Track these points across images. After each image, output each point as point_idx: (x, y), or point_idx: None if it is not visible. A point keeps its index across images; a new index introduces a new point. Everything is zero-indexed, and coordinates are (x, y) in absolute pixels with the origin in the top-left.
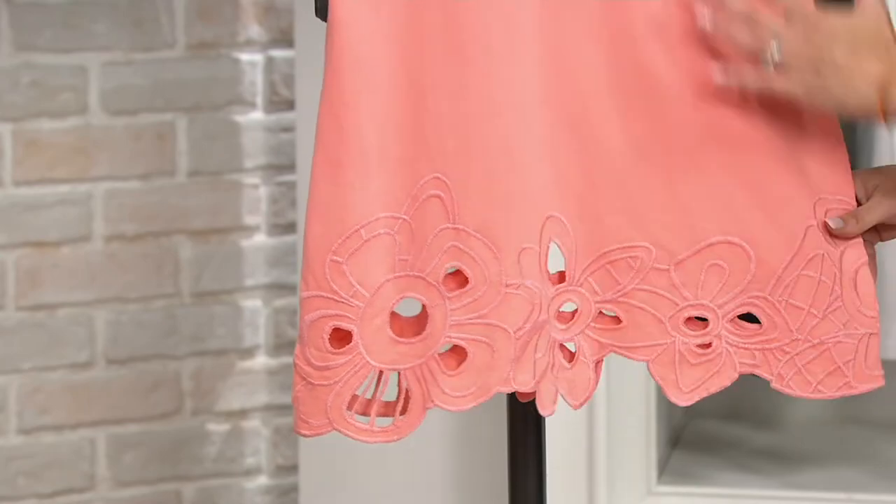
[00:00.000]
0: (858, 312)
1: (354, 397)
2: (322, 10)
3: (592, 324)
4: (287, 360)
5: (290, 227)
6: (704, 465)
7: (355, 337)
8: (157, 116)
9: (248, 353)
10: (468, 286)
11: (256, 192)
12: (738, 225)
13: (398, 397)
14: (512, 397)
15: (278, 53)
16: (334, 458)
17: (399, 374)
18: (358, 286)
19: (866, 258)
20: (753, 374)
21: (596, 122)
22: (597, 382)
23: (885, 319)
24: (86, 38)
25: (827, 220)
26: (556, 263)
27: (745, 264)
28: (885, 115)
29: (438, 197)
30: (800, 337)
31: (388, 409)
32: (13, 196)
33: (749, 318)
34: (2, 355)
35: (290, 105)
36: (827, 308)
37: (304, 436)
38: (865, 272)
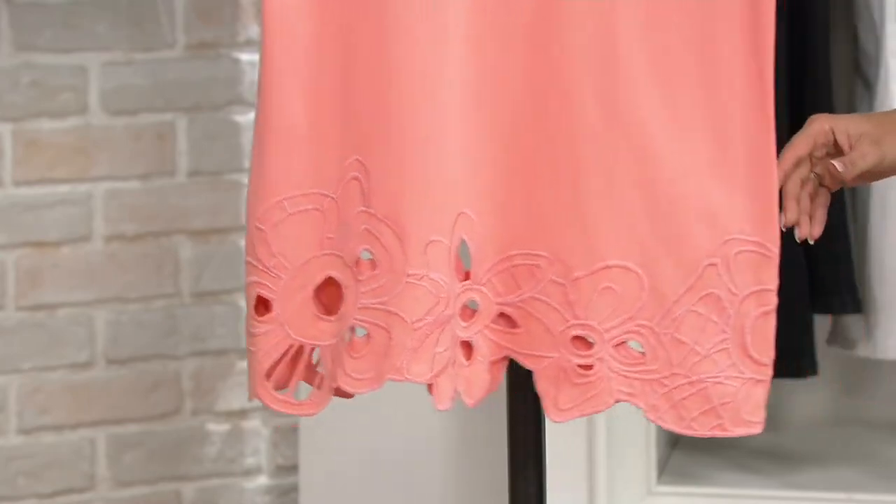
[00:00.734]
0: (748, 358)
1: (274, 366)
2: None
3: (491, 324)
4: None
5: None
6: (704, 465)
7: (275, 308)
8: (157, 116)
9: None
10: (376, 271)
11: None
12: (637, 251)
13: (316, 373)
14: (512, 397)
15: None
16: (334, 458)
17: (320, 349)
18: (279, 257)
19: (771, 306)
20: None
21: (513, 126)
22: (497, 383)
23: (885, 318)
24: (86, 38)
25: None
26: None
27: (637, 291)
28: None
29: (357, 179)
30: (679, 372)
31: (319, 382)
32: (13, 196)
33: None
34: (2, 355)
35: None
36: (712, 348)
37: (250, 398)
38: (765, 320)
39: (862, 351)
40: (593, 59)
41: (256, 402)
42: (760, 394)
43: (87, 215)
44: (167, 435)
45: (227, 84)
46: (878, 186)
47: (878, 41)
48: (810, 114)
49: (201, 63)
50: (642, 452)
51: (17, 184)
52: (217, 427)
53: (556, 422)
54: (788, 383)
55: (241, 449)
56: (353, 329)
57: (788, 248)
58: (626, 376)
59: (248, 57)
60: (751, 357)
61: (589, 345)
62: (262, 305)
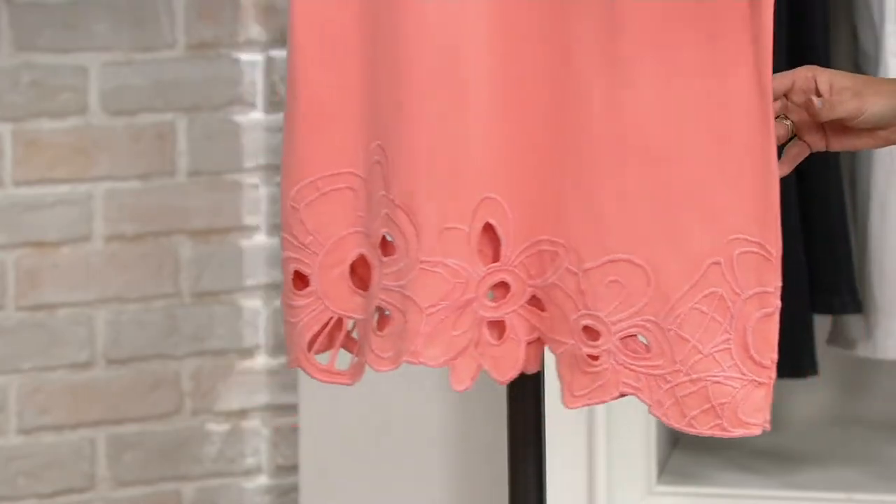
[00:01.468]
0: (749, 359)
1: (315, 338)
2: None
3: (526, 304)
4: (286, 360)
5: None
6: (704, 464)
7: (312, 283)
8: (157, 116)
9: (248, 353)
10: (395, 255)
11: (256, 193)
12: (643, 246)
13: (355, 344)
14: (512, 396)
15: (278, 53)
16: (334, 458)
17: (357, 322)
18: (313, 234)
19: (773, 308)
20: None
21: (534, 112)
22: (535, 364)
23: (885, 318)
24: (86, 38)
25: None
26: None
27: (643, 286)
28: None
29: (379, 164)
30: (681, 369)
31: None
32: (13, 196)
33: None
34: (2, 355)
35: None
36: (714, 347)
37: (290, 366)
38: (768, 322)
39: (862, 351)
40: (600, 55)
41: (257, 402)
42: (761, 396)
43: (87, 215)
44: (167, 435)
45: (227, 84)
46: (877, 187)
47: (877, 41)
48: None
49: (201, 63)
50: (642, 452)
51: (17, 184)
52: (217, 427)
53: (569, 408)
54: (789, 383)
55: (241, 449)
56: (378, 308)
57: (789, 248)
58: (632, 370)
59: (248, 57)
60: (752, 359)
61: (597, 335)
62: (300, 280)
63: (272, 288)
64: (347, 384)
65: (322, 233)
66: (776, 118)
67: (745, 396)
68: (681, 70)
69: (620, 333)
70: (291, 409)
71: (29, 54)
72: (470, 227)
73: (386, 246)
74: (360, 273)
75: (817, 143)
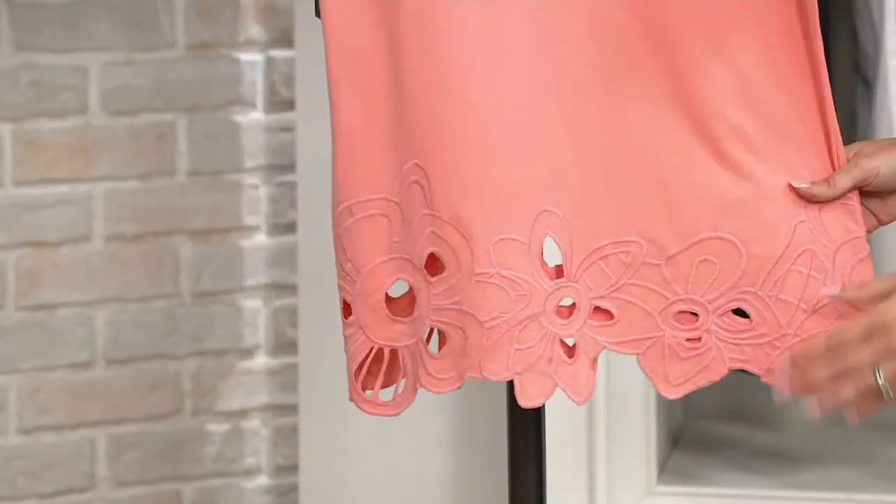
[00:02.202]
0: (852, 307)
1: (359, 369)
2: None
3: (589, 321)
4: (286, 360)
5: (290, 228)
6: (704, 465)
7: (354, 312)
8: (157, 116)
9: (248, 353)
10: (444, 273)
11: (256, 193)
12: (728, 221)
13: (399, 374)
14: (512, 398)
15: (278, 54)
16: (334, 459)
17: (398, 351)
18: (351, 261)
19: (865, 253)
20: (746, 371)
21: (585, 118)
22: (594, 379)
23: None
24: (86, 38)
25: (793, 182)
26: (556, 258)
27: (735, 260)
28: None
29: (418, 183)
30: (789, 332)
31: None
32: (13, 196)
33: (740, 313)
34: (2, 355)
35: (290, 105)
36: (817, 303)
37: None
38: (863, 267)
39: None
40: (654, 44)
41: (257, 402)
42: None
43: (87, 215)
44: (167, 435)
45: (226, 84)
46: None
47: (877, 41)
48: None
49: (201, 63)
50: (642, 452)
51: (17, 184)
52: (217, 427)
53: (670, 398)
54: None
55: (240, 449)
56: (430, 330)
57: None
58: (736, 344)
59: (248, 57)
60: (856, 305)
61: (693, 318)
62: (346, 308)
63: (272, 288)
64: (392, 415)
65: (358, 260)
66: None
67: None
68: (734, 46)
69: (719, 311)
70: (291, 409)
71: (29, 54)
72: (529, 239)
73: (433, 265)
74: (398, 301)
75: (869, 223)
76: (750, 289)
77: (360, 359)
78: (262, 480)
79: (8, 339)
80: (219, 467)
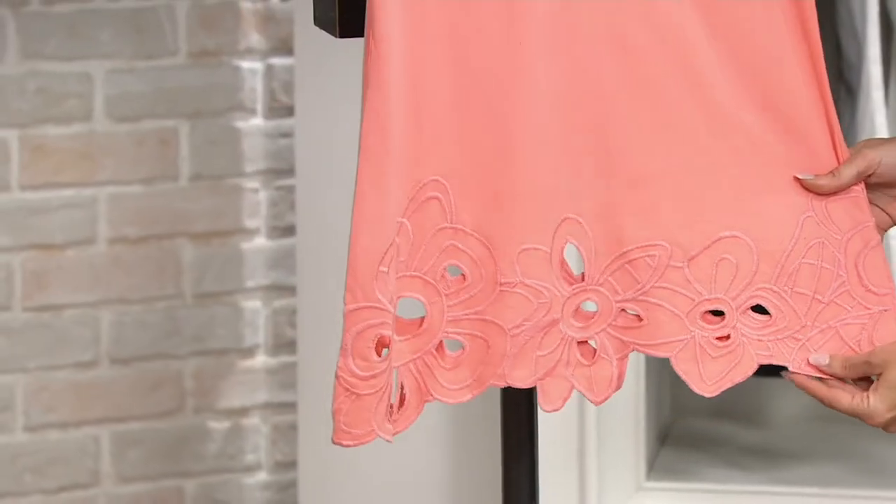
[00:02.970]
0: (867, 293)
1: (392, 402)
2: (320, 19)
3: (614, 322)
4: (285, 359)
5: (288, 230)
6: (692, 461)
7: (393, 342)
8: (160, 122)
9: (248, 352)
10: (465, 283)
11: (256, 196)
12: (739, 219)
13: (397, 394)
14: (505, 396)
15: (278, 61)
16: (332, 455)
17: (397, 370)
18: (393, 293)
19: (875, 241)
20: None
21: (610, 122)
22: (622, 378)
23: None
24: (91, 46)
25: (798, 176)
26: (579, 265)
27: (749, 257)
28: None
29: (437, 198)
30: (808, 323)
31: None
32: (20, 200)
33: (758, 310)
34: (9, 355)
35: (289, 111)
36: (832, 293)
37: (346, 446)
38: (874, 254)
39: None
40: (670, 50)
41: (256, 400)
42: (888, 321)
43: (92, 219)
44: (169, 432)
45: (227, 91)
46: None
47: (860, 49)
48: None
49: (203, 70)
50: (631, 450)
51: (24, 188)
52: (218, 425)
53: (707, 396)
54: (775, 382)
55: (241, 446)
56: (440, 342)
57: None
58: (760, 340)
59: (249, 65)
60: (871, 291)
61: (718, 317)
62: (380, 346)
63: (272, 289)
64: (397, 433)
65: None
66: None
67: (874, 325)
68: (740, 54)
69: (741, 308)
70: (290, 407)
71: (35, 62)
72: (551, 248)
73: (448, 279)
74: (407, 322)
75: (884, 222)
76: (766, 285)
77: (391, 389)
78: (262, 476)
79: (15, 340)
80: (220, 464)
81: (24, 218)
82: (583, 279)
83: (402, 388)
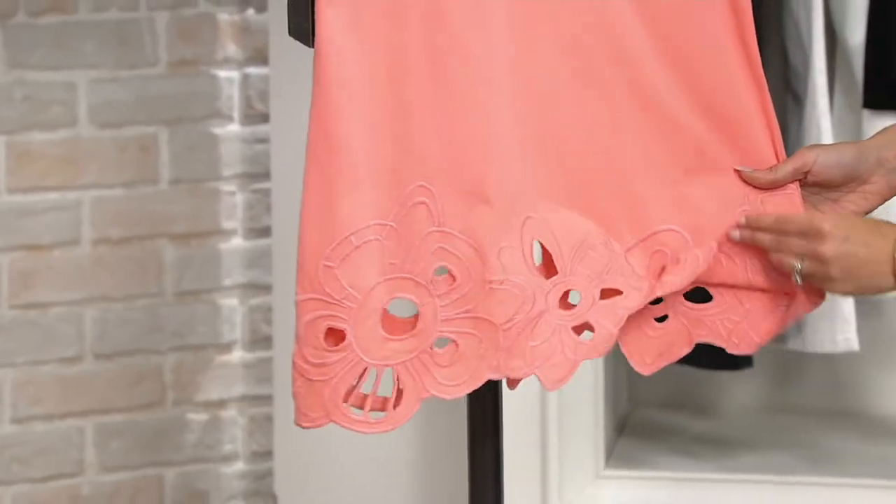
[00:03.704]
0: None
1: (350, 391)
2: (295, 30)
3: (598, 302)
4: (261, 354)
5: (264, 231)
6: (647, 450)
7: (349, 336)
8: (141, 129)
9: (226, 348)
10: (455, 283)
11: (233, 199)
12: (677, 215)
13: (393, 391)
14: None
15: (253, 71)
16: (306, 446)
17: (392, 369)
18: (349, 289)
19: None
20: (687, 363)
21: (562, 127)
22: (616, 335)
23: (812, 316)
24: (75, 56)
25: (738, 167)
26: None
27: (686, 250)
28: None
29: (424, 203)
30: (743, 300)
31: (382, 404)
32: (8, 203)
33: (700, 298)
34: None
35: (264, 118)
36: (762, 268)
37: (304, 427)
38: (790, 199)
39: (792, 344)
40: (620, 59)
41: (234, 393)
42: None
43: (77, 221)
44: (150, 424)
45: (205, 99)
46: None
47: (806, 59)
48: None
49: (182, 80)
50: (590, 439)
51: (11, 191)
52: (196, 416)
53: (645, 374)
54: (726, 375)
55: (219, 437)
56: (434, 342)
57: None
58: (699, 320)
59: (226, 74)
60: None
61: (658, 301)
62: (332, 337)
63: (248, 287)
64: (388, 430)
65: (357, 286)
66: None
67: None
68: (680, 56)
69: (680, 292)
70: (266, 399)
71: (22, 71)
72: (521, 245)
73: (438, 281)
74: (388, 321)
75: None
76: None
77: (352, 381)
78: (239, 466)
79: (2, 336)
80: (198, 454)
81: (12, 220)
82: (552, 272)
83: (399, 384)
